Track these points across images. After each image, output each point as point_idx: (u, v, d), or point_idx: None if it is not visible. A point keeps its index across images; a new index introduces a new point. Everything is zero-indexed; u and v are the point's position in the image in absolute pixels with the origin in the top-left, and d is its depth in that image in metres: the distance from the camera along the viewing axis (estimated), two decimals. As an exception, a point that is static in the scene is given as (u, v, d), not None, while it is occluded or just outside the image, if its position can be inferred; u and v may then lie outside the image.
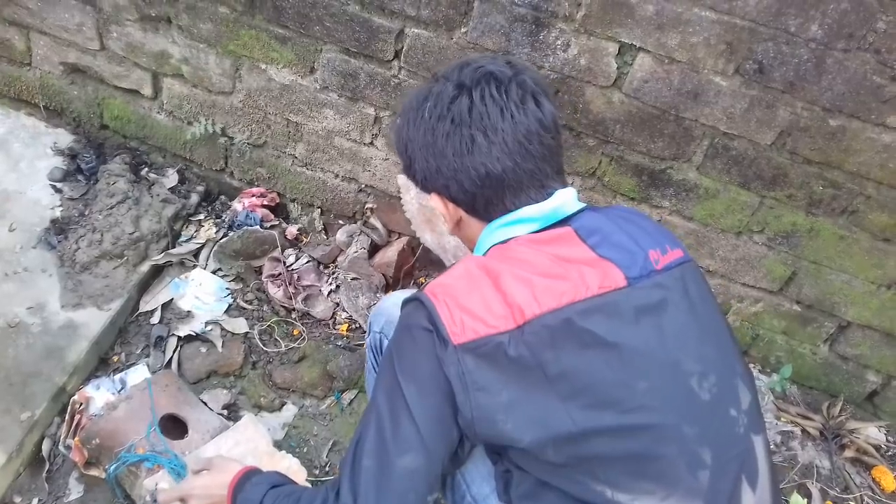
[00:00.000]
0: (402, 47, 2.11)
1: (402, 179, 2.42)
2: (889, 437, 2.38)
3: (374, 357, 1.71)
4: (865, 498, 2.22)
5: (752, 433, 1.19)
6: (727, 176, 2.10)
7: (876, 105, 1.86)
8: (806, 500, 2.16)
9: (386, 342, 1.65)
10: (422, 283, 2.48)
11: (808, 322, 2.33)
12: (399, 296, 1.65)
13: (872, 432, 2.36)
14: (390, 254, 2.48)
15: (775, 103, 1.94)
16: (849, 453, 2.31)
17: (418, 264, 2.55)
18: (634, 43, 1.93)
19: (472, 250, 1.37)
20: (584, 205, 1.29)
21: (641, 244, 1.20)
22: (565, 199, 1.25)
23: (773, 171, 2.05)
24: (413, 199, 2.39)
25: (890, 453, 2.35)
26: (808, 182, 2.04)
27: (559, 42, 1.98)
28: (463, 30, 2.03)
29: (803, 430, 2.33)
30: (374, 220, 2.52)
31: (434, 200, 1.34)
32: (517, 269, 1.15)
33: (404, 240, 2.53)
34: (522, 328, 1.09)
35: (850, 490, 2.23)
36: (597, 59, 1.99)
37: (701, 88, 1.96)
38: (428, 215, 2.39)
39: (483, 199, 1.26)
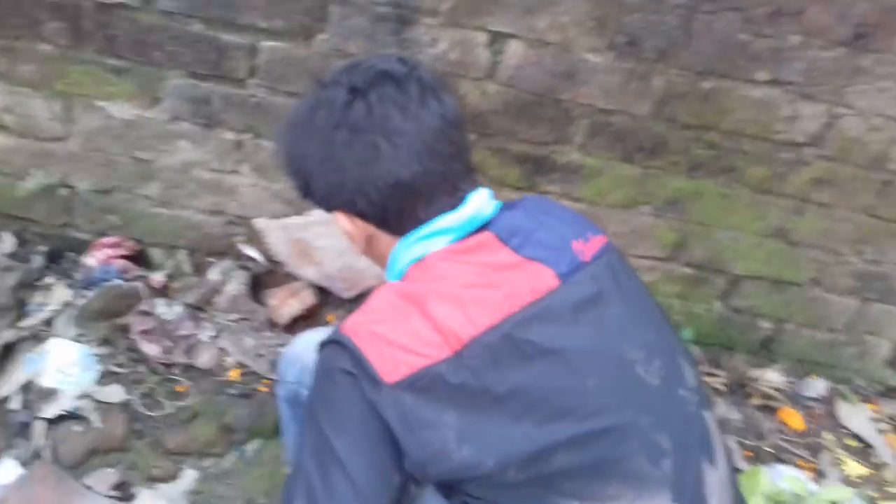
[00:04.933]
0: (257, 63, 1.95)
1: (262, 223, 2.25)
2: (787, 378, 2.48)
3: (292, 411, 1.55)
4: (778, 441, 2.30)
5: (702, 410, 1.16)
6: (610, 152, 2.09)
7: (744, 62, 1.91)
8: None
9: (304, 392, 1.48)
10: (331, 321, 2.31)
11: (701, 282, 2.38)
12: (311, 337, 1.50)
13: (773, 376, 2.44)
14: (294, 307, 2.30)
15: (649, 73, 1.95)
16: (755, 401, 2.38)
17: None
18: (504, 30, 1.89)
19: (384, 268, 1.25)
20: (498, 203, 1.20)
21: (564, 237, 1.14)
22: (481, 203, 1.16)
23: (653, 141, 2.07)
24: (279, 239, 2.24)
25: (791, 393, 2.45)
26: (688, 147, 2.07)
27: (427, 38, 1.90)
28: (322, 36, 1.90)
29: (712, 388, 2.39)
30: (249, 251, 2.32)
31: (339, 220, 1.20)
32: (442, 288, 1.06)
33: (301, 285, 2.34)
34: (461, 353, 1.01)
35: (764, 437, 2.30)
36: (467, 51, 1.92)
37: (575, 68, 1.94)
38: (302, 248, 2.23)
39: (394, 210, 1.14)
